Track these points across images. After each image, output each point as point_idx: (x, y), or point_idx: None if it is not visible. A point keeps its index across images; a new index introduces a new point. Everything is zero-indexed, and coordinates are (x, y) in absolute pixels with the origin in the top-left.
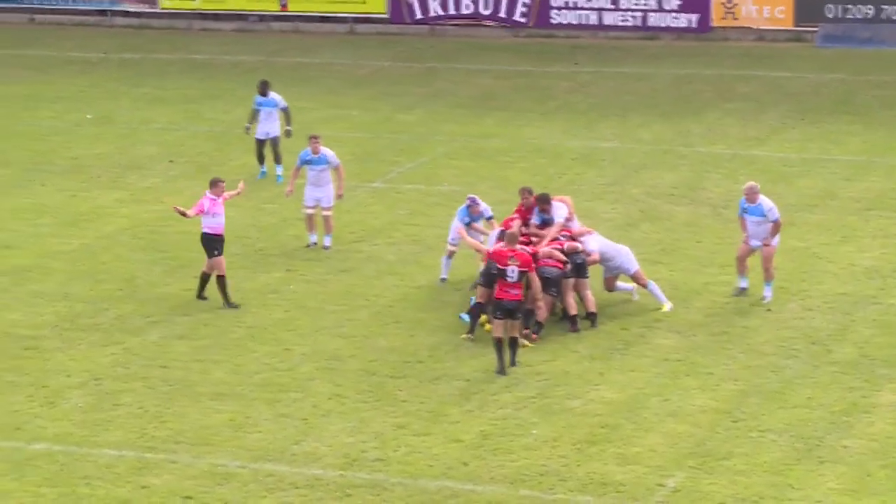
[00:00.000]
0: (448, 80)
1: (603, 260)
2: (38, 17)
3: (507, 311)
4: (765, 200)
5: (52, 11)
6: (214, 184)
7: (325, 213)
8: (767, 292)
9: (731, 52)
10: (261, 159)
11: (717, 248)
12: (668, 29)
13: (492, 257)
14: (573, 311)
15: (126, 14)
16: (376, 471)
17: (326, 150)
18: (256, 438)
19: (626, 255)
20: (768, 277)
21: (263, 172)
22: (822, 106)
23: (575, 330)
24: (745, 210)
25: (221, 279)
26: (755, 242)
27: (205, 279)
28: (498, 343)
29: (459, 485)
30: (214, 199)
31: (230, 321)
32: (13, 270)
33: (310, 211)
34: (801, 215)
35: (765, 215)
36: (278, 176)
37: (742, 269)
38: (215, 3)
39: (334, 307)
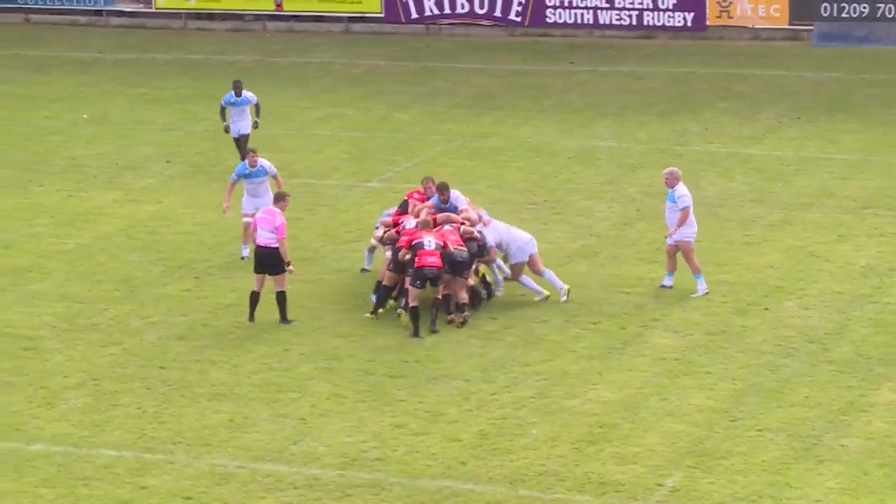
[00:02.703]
0: (444, 79)
1: (500, 249)
2: (33, 16)
3: (426, 279)
4: (680, 188)
5: (48, 11)
6: (283, 197)
7: None
8: (668, 281)
9: (726, 51)
10: (243, 157)
11: (713, 246)
12: (663, 28)
13: (409, 242)
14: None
15: (121, 14)
16: (375, 470)
17: (264, 162)
18: (255, 438)
19: (523, 243)
20: (672, 269)
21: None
22: (819, 104)
23: (463, 320)
24: (667, 196)
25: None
26: (670, 238)
27: (282, 299)
28: (414, 311)
29: (458, 484)
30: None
31: (228, 322)
32: (12, 271)
33: (248, 219)
34: (798, 214)
35: (675, 202)
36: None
37: (695, 268)
38: (210, 2)
39: (332, 307)
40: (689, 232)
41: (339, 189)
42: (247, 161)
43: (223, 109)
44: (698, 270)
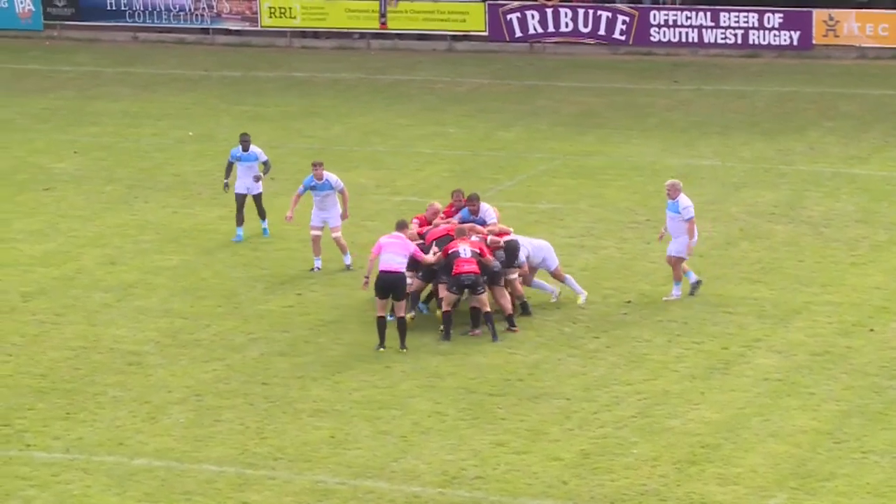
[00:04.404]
0: (547, 97)
1: (528, 261)
2: (141, 35)
3: (463, 287)
4: (683, 199)
5: (156, 30)
6: (407, 224)
7: (334, 234)
8: (675, 291)
9: (832, 70)
10: (240, 220)
11: (818, 266)
12: (769, 47)
13: (445, 251)
14: (509, 310)
15: (227, 32)
16: (475, 489)
17: (330, 175)
18: (356, 455)
19: (547, 251)
20: (675, 277)
21: (240, 237)
22: None
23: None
24: (667, 206)
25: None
26: (672, 247)
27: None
28: (447, 315)
29: (559, 503)
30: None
31: (330, 338)
32: (118, 286)
33: (316, 232)
34: None
35: (679, 213)
36: (264, 230)
37: (677, 277)
38: (315, 20)
39: (433, 324)
40: (693, 241)
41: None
42: (313, 174)
43: (230, 164)
44: (679, 279)
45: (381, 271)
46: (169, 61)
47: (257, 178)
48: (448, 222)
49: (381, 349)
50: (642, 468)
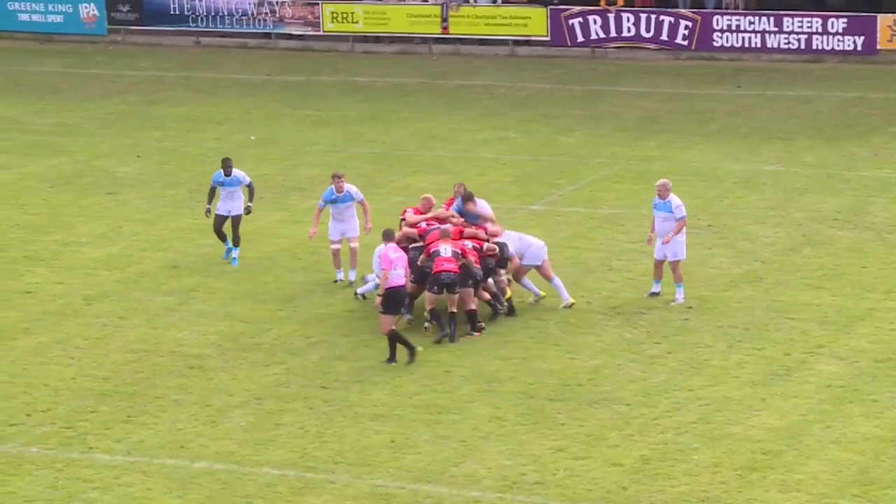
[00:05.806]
0: (609, 102)
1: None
2: (203, 39)
3: (443, 285)
4: (674, 198)
5: (218, 34)
6: (392, 235)
7: (351, 245)
8: (656, 288)
9: None
10: (223, 236)
11: (882, 273)
12: (832, 52)
13: (427, 251)
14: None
15: (289, 37)
16: (535, 494)
17: (350, 187)
18: (415, 459)
19: (535, 248)
20: (677, 280)
21: (230, 249)
22: None
23: (477, 330)
24: (655, 206)
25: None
26: (659, 250)
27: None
28: (434, 312)
29: None
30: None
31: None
32: (179, 290)
33: (335, 246)
34: None
35: (672, 212)
36: (233, 259)
37: (658, 275)
38: (377, 25)
39: (493, 328)
40: (683, 246)
41: (502, 212)
42: (333, 186)
43: (212, 189)
44: (681, 279)
45: (393, 287)
46: (231, 66)
47: (248, 210)
48: (451, 214)
49: (394, 362)
50: (703, 474)
